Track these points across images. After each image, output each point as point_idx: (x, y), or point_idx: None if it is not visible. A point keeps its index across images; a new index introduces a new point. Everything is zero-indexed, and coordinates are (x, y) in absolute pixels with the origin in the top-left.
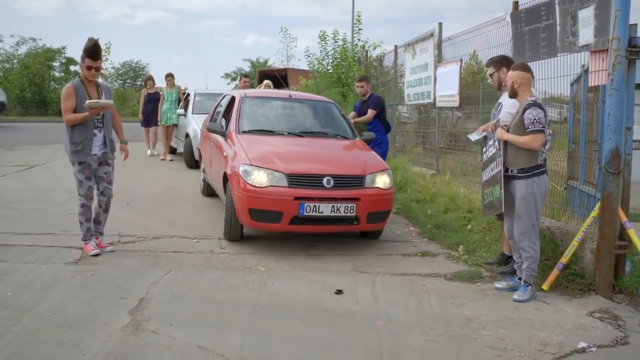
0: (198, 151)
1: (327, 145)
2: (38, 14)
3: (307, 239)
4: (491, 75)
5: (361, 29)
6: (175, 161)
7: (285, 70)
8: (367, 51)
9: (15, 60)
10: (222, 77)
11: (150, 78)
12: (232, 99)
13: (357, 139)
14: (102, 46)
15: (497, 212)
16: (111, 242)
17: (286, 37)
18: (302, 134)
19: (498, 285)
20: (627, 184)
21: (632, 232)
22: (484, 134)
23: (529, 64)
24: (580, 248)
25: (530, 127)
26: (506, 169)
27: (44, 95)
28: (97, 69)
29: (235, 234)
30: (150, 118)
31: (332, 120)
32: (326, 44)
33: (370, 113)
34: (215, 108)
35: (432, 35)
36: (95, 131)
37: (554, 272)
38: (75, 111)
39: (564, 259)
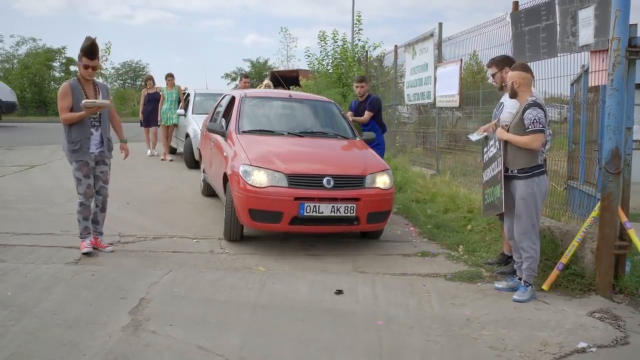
0: (198, 151)
1: (327, 145)
2: (38, 14)
3: (307, 239)
4: (493, 75)
5: (361, 29)
6: (175, 161)
7: (296, 71)
8: (367, 51)
9: (15, 61)
10: (222, 77)
11: (150, 78)
12: (232, 99)
13: (357, 139)
14: (102, 46)
15: (497, 212)
16: (111, 242)
17: (286, 37)
18: (302, 134)
19: (498, 285)
20: (627, 184)
21: (632, 232)
22: (485, 134)
23: (529, 64)
24: (580, 248)
25: (530, 127)
26: (506, 169)
27: (44, 96)
28: (95, 68)
29: (235, 234)
30: (150, 118)
31: (332, 120)
32: (326, 44)
33: (367, 115)
34: (215, 108)
35: (432, 35)
36: (93, 130)
37: (554, 272)
38: (71, 110)
39: (564, 259)
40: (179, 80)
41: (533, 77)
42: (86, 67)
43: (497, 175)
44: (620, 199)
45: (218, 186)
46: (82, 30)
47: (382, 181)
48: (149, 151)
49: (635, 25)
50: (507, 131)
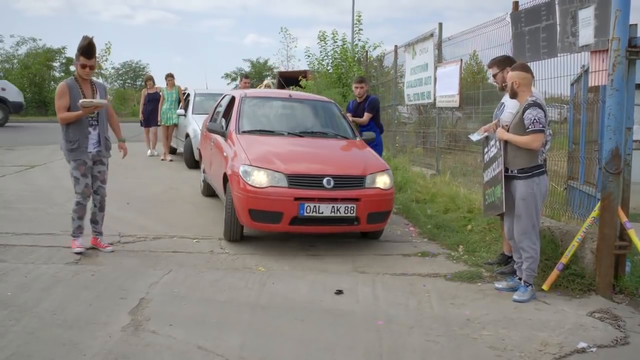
0: (198, 151)
1: (327, 145)
2: (38, 14)
3: (307, 239)
4: (495, 75)
5: (361, 29)
6: (175, 161)
7: (305, 72)
8: (367, 51)
9: (15, 61)
10: (222, 77)
11: (151, 78)
12: (232, 99)
13: (357, 139)
14: (103, 46)
15: (498, 212)
16: (111, 242)
17: (286, 38)
18: (302, 134)
19: (498, 285)
20: (627, 184)
21: (632, 233)
22: (486, 134)
23: (529, 64)
24: (580, 248)
25: (530, 127)
26: (506, 169)
27: (44, 96)
28: (92, 68)
29: (235, 235)
30: (150, 118)
31: (332, 120)
32: (326, 44)
33: (366, 116)
34: (215, 108)
35: (432, 35)
36: (90, 129)
37: (554, 272)
38: (69, 110)
39: (564, 259)
40: (179, 81)
41: (533, 77)
42: (83, 66)
43: (498, 176)
44: (620, 199)
45: (218, 186)
46: (82, 30)
47: (382, 181)
48: (149, 151)
49: (635, 25)
50: (508, 131)
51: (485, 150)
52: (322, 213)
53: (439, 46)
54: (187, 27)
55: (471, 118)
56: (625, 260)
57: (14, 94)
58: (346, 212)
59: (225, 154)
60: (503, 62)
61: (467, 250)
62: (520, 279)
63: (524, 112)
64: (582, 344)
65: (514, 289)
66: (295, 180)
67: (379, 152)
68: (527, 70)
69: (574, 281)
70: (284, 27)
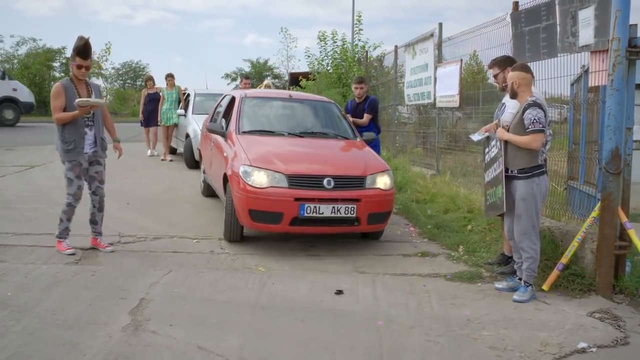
0: (198, 151)
1: (327, 145)
2: (38, 14)
3: (307, 239)
4: (495, 76)
5: (361, 29)
6: (175, 161)
7: (307, 73)
8: (367, 51)
9: (16, 61)
10: (222, 77)
11: (151, 78)
12: (232, 99)
13: (358, 139)
14: (102, 46)
15: (499, 213)
16: (111, 242)
17: (286, 38)
18: (302, 135)
19: (498, 285)
20: (627, 184)
21: (632, 233)
22: (487, 134)
23: (529, 64)
24: (580, 248)
25: (530, 127)
26: (506, 169)
27: (44, 96)
28: (87, 68)
29: (235, 235)
30: (150, 118)
31: (333, 120)
32: (326, 44)
33: (366, 118)
34: (216, 108)
35: (432, 35)
36: (86, 129)
37: (554, 273)
38: (64, 110)
39: (564, 259)
40: (179, 81)
41: (533, 77)
42: (79, 67)
43: (499, 176)
44: (621, 199)
45: (218, 186)
46: (82, 30)
47: (383, 182)
48: (149, 151)
49: (635, 25)
50: (508, 131)
51: (486, 150)
52: (323, 213)
53: (439, 46)
54: (187, 27)
55: (471, 118)
56: (626, 261)
57: (25, 94)
58: (346, 212)
59: (225, 154)
60: (504, 63)
61: (467, 250)
62: (520, 279)
63: (523, 112)
64: (582, 344)
65: (514, 289)
66: (296, 180)
67: (377, 152)
68: (527, 70)
69: (574, 281)
70: (284, 27)
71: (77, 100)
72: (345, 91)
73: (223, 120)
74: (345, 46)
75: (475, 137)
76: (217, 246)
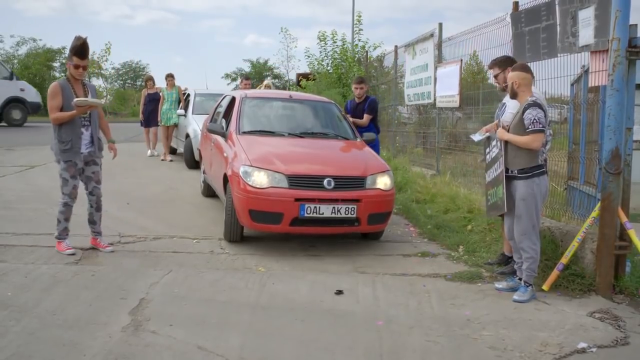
0: (198, 152)
1: (327, 146)
2: (38, 15)
3: (308, 239)
4: (496, 76)
5: (361, 30)
6: (175, 161)
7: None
8: (367, 51)
9: (16, 61)
10: (222, 77)
11: (151, 78)
12: (233, 99)
13: (358, 139)
14: (102, 46)
15: (500, 213)
16: (111, 242)
17: (286, 38)
18: (302, 135)
19: (498, 285)
20: (627, 184)
21: (632, 233)
22: (487, 134)
23: (529, 64)
24: (580, 248)
25: (530, 127)
26: (506, 169)
27: (44, 96)
28: (85, 68)
29: (236, 235)
30: (150, 118)
31: (333, 120)
32: (326, 44)
33: (366, 118)
34: (216, 109)
35: (432, 35)
36: (83, 129)
37: (554, 273)
38: (61, 110)
39: (564, 260)
40: (179, 81)
41: (533, 77)
42: (76, 66)
43: (500, 176)
44: (621, 199)
45: (218, 187)
46: (82, 30)
47: (383, 182)
48: (149, 151)
49: (636, 25)
50: (508, 131)
51: (487, 150)
52: (323, 214)
53: (439, 46)
54: (187, 27)
55: (471, 118)
56: (626, 261)
57: (32, 94)
58: (347, 213)
59: (225, 154)
60: (504, 63)
61: (467, 250)
62: (520, 279)
63: (523, 112)
64: (582, 344)
65: (514, 289)
66: (296, 181)
67: (376, 153)
68: (527, 70)
69: (574, 281)
70: (284, 27)
71: (76, 100)
72: (345, 91)
73: (223, 120)
74: (345, 46)
75: (476, 137)
76: (217, 246)
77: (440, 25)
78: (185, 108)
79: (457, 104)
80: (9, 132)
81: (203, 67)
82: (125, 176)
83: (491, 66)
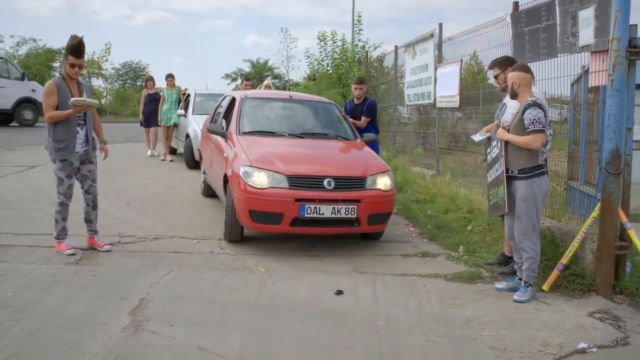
0: (198, 152)
1: (327, 146)
2: (38, 15)
3: (308, 239)
4: (496, 76)
5: (361, 30)
6: (175, 162)
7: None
8: (367, 51)
9: (16, 61)
10: (222, 77)
11: (151, 78)
12: (233, 100)
13: (358, 140)
14: (103, 47)
15: (501, 213)
16: (111, 242)
17: (286, 38)
18: (302, 135)
19: (498, 285)
20: (628, 184)
21: (632, 233)
22: (488, 134)
23: (529, 64)
24: (580, 249)
25: (530, 127)
26: (507, 170)
27: None
28: (80, 67)
29: (236, 236)
30: (150, 118)
31: (333, 121)
32: (325, 44)
33: (364, 121)
34: (216, 109)
35: (432, 35)
36: (78, 129)
37: (554, 273)
38: (57, 108)
39: (564, 260)
40: (179, 81)
41: (533, 77)
42: (72, 65)
43: (501, 176)
44: (621, 200)
45: (218, 187)
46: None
47: (383, 182)
48: (149, 151)
49: (636, 25)
50: (508, 132)
51: (488, 150)
52: (323, 214)
53: (439, 46)
54: (187, 28)
55: (471, 118)
56: (626, 261)
57: (42, 94)
58: (347, 213)
59: (225, 154)
60: (504, 63)
61: (467, 250)
62: (520, 279)
63: (523, 112)
64: (582, 345)
65: (514, 290)
66: (296, 181)
67: (376, 153)
68: (527, 70)
69: (574, 281)
70: (284, 27)
71: (73, 99)
72: (345, 91)
73: (223, 120)
74: (345, 46)
75: (477, 137)
76: (217, 246)
77: (441, 25)
78: (186, 108)
79: (457, 104)
80: (10, 132)
81: (203, 67)
82: (125, 176)
83: (491, 66)
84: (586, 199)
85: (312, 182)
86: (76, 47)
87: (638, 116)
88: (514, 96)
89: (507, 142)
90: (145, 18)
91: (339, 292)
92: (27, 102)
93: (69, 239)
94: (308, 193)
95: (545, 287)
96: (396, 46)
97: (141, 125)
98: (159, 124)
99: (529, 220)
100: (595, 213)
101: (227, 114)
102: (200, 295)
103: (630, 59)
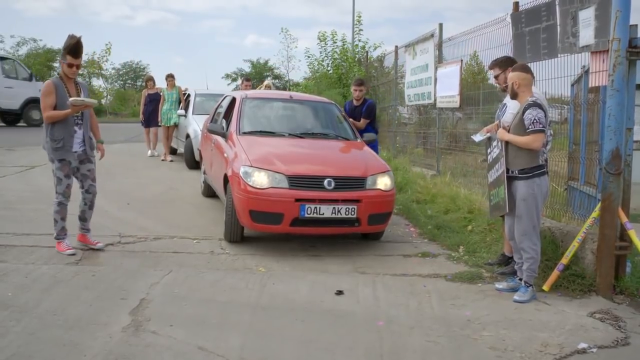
0: (198, 152)
1: (327, 146)
2: (38, 15)
3: (308, 239)
4: (497, 76)
5: (361, 30)
6: (175, 162)
7: None
8: (367, 52)
9: None
10: (222, 77)
11: (151, 79)
12: (233, 100)
13: (358, 140)
14: (103, 47)
15: (502, 213)
16: (111, 242)
17: (286, 38)
18: (302, 135)
19: (499, 285)
20: (628, 184)
21: (632, 233)
22: (488, 134)
23: (529, 64)
24: (580, 249)
25: (530, 127)
26: (507, 170)
27: None
28: (78, 67)
29: (236, 236)
30: (150, 119)
31: (333, 121)
32: (326, 44)
33: (363, 122)
34: (216, 109)
35: (432, 35)
36: (76, 128)
37: (555, 273)
38: (55, 108)
39: (564, 260)
40: (179, 81)
41: (533, 77)
42: (70, 65)
43: (501, 176)
44: (621, 200)
45: (218, 187)
46: (82, 31)
47: (383, 182)
48: (149, 152)
49: (636, 25)
50: (508, 132)
51: (488, 151)
52: (323, 214)
53: (439, 47)
54: (188, 28)
55: (472, 119)
56: (626, 261)
57: None
58: (347, 213)
59: (225, 155)
60: (505, 63)
61: (468, 250)
62: (520, 279)
63: (523, 112)
64: (582, 345)
65: (514, 290)
66: (296, 181)
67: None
68: (527, 70)
69: (574, 282)
70: (284, 27)
71: (72, 99)
72: (345, 92)
73: (224, 121)
74: (345, 46)
75: (477, 137)
76: (217, 246)
77: (441, 25)
78: (186, 108)
79: (457, 105)
80: (10, 132)
81: (203, 67)
82: (125, 176)
83: (492, 66)
84: (586, 199)
85: (313, 182)
86: (74, 47)
87: (638, 116)
88: (514, 96)
89: (507, 143)
90: (145, 18)
91: (339, 292)
92: (34, 103)
93: (69, 239)
94: (308, 193)
95: (545, 288)
96: (396, 46)
97: (141, 125)
98: (159, 124)
99: (529, 221)
100: (595, 213)
101: (228, 114)
102: (200, 296)
103: (631, 59)
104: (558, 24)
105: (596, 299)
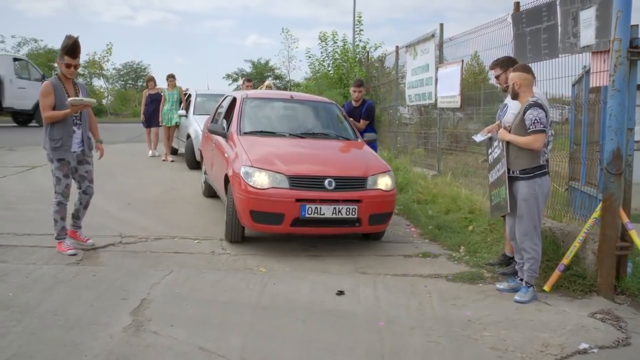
0: (199, 152)
1: (328, 146)
2: (39, 15)
3: (309, 239)
4: (497, 77)
5: (362, 30)
6: (176, 162)
7: None
8: (368, 52)
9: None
10: (223, 77)
11: (152, 79)
12: (234, 100)
13: (359, 140)
14: (104, 47)
15: (503, 213)
16: (112, 242)
17: (287, 38)
18: (303, 135)
19: (499, 286)
20: (629, 184)
21: (633, 233)
22: (489, 135)
23: (530, 64)
24: (581, 249)
25: (531, 127)
26: (508, 170)
27: None
28: (76, 67)
29: (237, 236)
30: (151, 119)
31: (334, 121)
32: (326, 45)
33: (363, 123)
34: (217, 109)
35: (433, 36)
36: (75, 128)
37: (556, 273)
38: (54, 108)
39: (565, 260)
40: (180, 81)
41: (534, 77)
42: (68, 65)
43: (502, 176)
44: (622, 200)
45: (219, 187)
46: (83, 31)
47: (384, 182)
48: (150, 152)
49: (637, 26)
50: (509, 132)
51: (489, 151)
52: (324, 214)
53: (440, 47)
54: (189, 28)
55: (472, 119)
56: (627, 261)
57: None
58: (348, 213)
59: (226, 155)
60: (506, 63)
61: (469, 251)
62: (521, 279)
63: (524, 112)
64: (583, 345)
65: (515, 290)
66: (297, 181)
67: None
68: (528, 71)
69: (575, 282)
70: (285, 27)
71: (71, 99)
72: (346, 92)
73: (224, 121)
74: (346, 47)
75: (478, 138)
76: (218, 247)
77: (442, 25)
78: (187, 108)
79: (458, 105)
80: (10, 133)
81: (204, 67)
82: (126, 176)
83: (492, 67)
84: (587, 200)
85: (313, 182)
86: (71, 47)
87: (639, 117)
88: (515, 96)
89: (508, 143)
90: (146, 18)
91: (340, 293)
92: None
93: (70, 239)
94: (309, 193)
95: (546, 288)
96: (397, 46)
97: (142, 125)
98: (160, 124)
99: (530, 221)
100: (596, 213)
101: (228, 114)
102: (201, 296)
103: (632, 59)
104: (559, 24)
105: (597, 299)
